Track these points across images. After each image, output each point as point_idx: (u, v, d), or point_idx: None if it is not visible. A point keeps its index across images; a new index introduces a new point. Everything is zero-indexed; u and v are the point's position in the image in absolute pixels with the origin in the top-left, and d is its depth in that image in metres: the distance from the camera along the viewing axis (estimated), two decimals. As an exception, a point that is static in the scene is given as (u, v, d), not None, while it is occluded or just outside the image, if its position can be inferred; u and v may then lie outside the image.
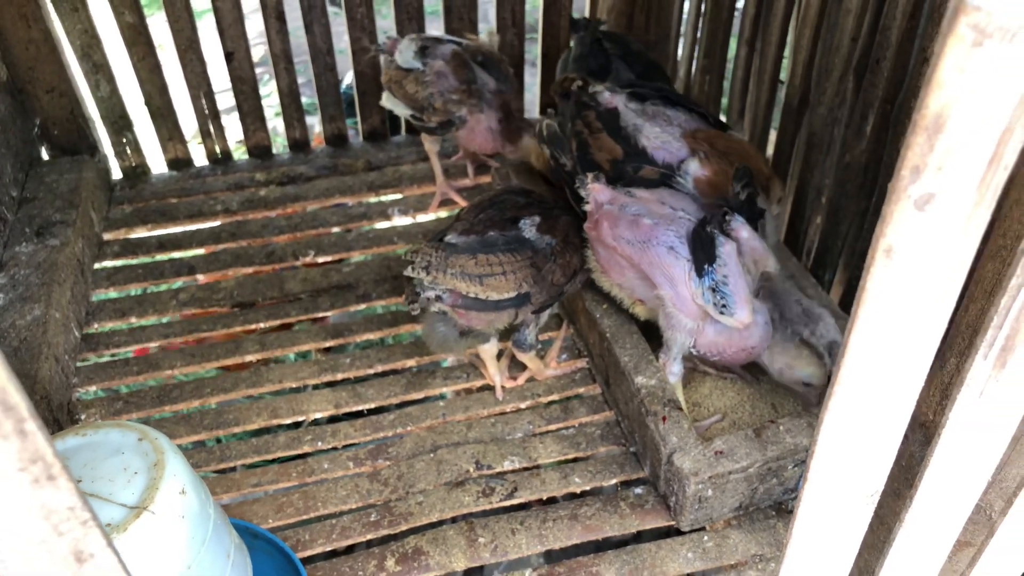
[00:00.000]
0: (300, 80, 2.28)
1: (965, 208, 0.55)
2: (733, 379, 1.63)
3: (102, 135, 2.20)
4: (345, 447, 1.61)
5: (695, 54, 2.29)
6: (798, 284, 1.67)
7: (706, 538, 1.41)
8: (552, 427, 1.61)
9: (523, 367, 1.69)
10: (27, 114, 2.06)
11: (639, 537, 1.51)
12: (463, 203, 2.11)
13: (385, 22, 3.36)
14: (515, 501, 1.48)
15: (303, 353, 1.94)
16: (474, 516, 1.48)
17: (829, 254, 1.81)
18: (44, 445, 0.51)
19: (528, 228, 1.54)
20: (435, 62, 1.91)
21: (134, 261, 1.99)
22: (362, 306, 1.88)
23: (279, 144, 2.73)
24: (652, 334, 1.55)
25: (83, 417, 1.62)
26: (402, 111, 2.01)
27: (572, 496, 1.51)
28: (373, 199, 2.20)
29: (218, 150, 2.28)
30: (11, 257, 1.79)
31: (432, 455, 1.55)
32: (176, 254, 2.03)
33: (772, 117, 2.03)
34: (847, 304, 1.75)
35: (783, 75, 1.96)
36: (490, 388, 1.68)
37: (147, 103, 2.17)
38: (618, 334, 1.58)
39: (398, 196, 2.20)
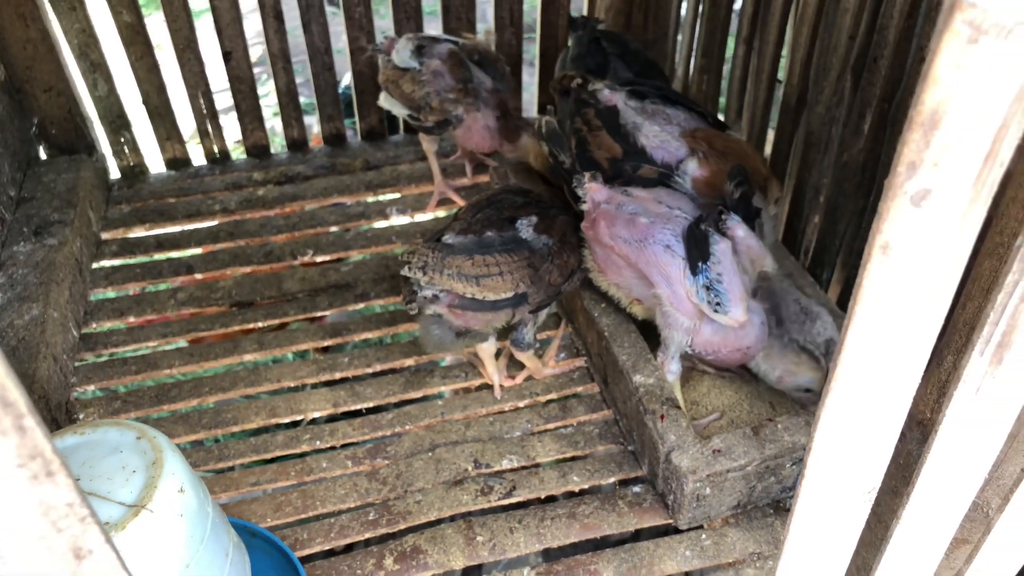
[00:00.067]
0: (298, 80, 2.28)
1: (961, 204, 0.55)
2: (731, 378, 1.63)
3: (100, 134, 2.20)
4: (343, 446, 1.61)
5: (693, 53, 2.30)
6: (796, 283, 1.67)
7: (704, 536, 1.41)
8: (550, 426, 1.62)
9: (521, 366, 1.70)
10: (25, 113, 2.06)
11: (637, 535, 1.51)
12: (461, 202, 2.11)
13: (383, 22, 3.35)
14: (513, 500, 1.48)
15: (301, 352, 1.95)
16: (472, 515, 1.48)
17: (827, 253, 1.81)
18: (43, 441, 0.51)
19: (525, 228, 1.54)
20: (431, 61, 1.92)
21: (132, 260, 1.99)
22: (360, 305, 1.88)
23: (277, 144, 2.73)
24: (650, 333, 1.55)
25: (81, 416, 1.62)
26: (399, 111, 2.02)
27: (570, 495, 1.51)
28: (371, 198, 2.20)
29: (216, 150, 2.28)
30: (9, 257, 1.79)
31: (430, 454, 1.55)
32: (174, 253, 2.03)
33: (770, 116, 2.03)
34: (845, 303, 1.76)
35: (781, 74, 1.96)
36: (488, 387, 1.68)
37: (145, 102, 2.17)
38: (616, 333, 1.59)
39: (396, 195, 2.20)
